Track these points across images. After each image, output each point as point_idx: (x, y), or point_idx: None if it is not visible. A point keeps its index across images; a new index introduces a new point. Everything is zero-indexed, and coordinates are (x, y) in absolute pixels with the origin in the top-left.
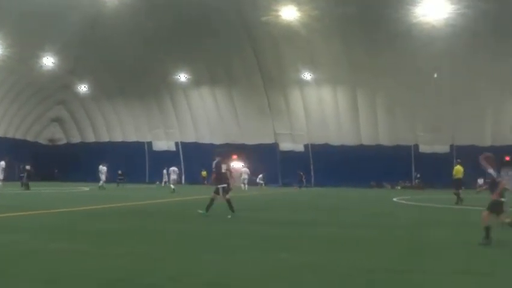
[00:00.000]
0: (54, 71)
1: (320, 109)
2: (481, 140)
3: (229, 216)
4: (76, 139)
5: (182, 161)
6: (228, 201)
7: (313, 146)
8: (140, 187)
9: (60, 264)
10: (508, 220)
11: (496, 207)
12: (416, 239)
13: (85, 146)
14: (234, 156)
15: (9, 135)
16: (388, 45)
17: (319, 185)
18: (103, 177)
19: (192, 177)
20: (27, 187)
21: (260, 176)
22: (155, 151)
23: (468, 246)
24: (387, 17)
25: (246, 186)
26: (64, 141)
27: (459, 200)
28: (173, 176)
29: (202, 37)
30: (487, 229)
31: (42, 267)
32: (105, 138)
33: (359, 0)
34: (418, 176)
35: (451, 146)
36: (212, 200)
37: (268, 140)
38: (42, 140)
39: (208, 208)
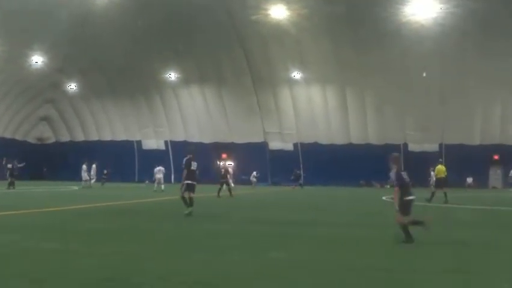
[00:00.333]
0: (43, 70)
1: (309, 108)
2: (469, 139)
3: (186, 212)
4: (65, 138)
5: (171, 160)
6: (190, 199)
7: (302, 145)
8: (129, 186)
9: (50, 263)
10: (404, 221)
11: (403, 207)
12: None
13: (74, 145)
14: (224, 155)
15: None
16: (377, 44)
17: (308, 184)
18: (85, 175)
19: (181, 176)
20: (10, 185)
21: (254, 173)
22: (144, 150)
23: (458, 245)
24: (376, 16)
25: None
26: (52, 140)
27: (446, 198)
28: (159, 175)
29: (191, 36)
30: (407, 226)
31: (32, 266)
32: (94, 137)
33: None
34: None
35: (440, 145)
36: (187, 198)
37: (258, 139)
38: (31, 139)
39: (190, 205)
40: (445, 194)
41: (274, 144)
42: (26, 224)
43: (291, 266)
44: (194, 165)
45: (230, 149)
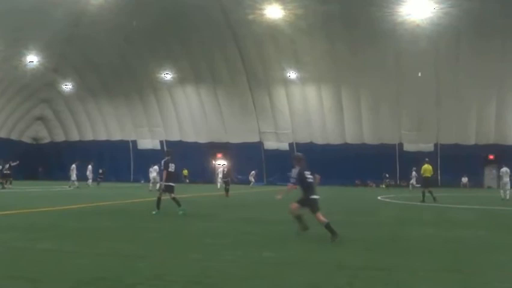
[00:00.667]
0: (38, 69)
1: (304, 108)
2: (465, 138)
3: (154, 212)
4: (60, 138)
5: None
6: (159, 199)
7: (298, 144)
8: (124, 186)
9: (45, 263)
10: (323, 219)
11: (306, 204)
12: (399, 237)
13: (69, 145)
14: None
15: None
16: (372, 44)
17: None
18: (73, 176)
19: (176, 176)
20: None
21: (252, 172)
22: (140, 150)
23: (455, 244)
24: (371, 15)
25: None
26: (47, 140)
27: (427, 197)
28: (153, 174)
29: (186, 35)
30: (298, 218)
31: (26, 266)
32: (89, 136)
33: None
34: (387, 175)
35: (435, 145)
36: (171, 198)
37: (253, 138)
38: (26, 139)
39: (178, 204)
40: (431, 192)
41: (270, 144)
42: (19, 224)
43: (284, 265)
44: (172, 167)
45: (225, 148)
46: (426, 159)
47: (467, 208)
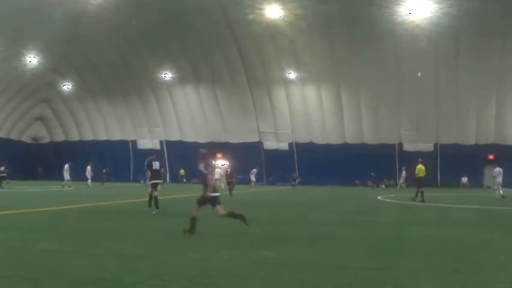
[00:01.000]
0: (37, 69)
1: (304, 107)
2: (464, 138)
3: (154, 212)
4: (60, 137)
5: (166, 159)
6: (155, 199)
7: (297, 144)
8: (124, 185)
9: (45, 263)
10: (223, 212)
11: (208, 201)
12: (399, 237)
13: (68, 145)
14: (219, 155)
15: None
16: (372, 43)
17: (304, 184)
18: (67, 175)
19: (175, 176)
20: None
21: (253, 170)
22: (139, 150)
23: (454, 244)
24: (371, 15)
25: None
26: (47, 140)
27: (416, 197)
28: None
29: (186, 35)
30: (193, 219)
31: (25, 266)
32: (89, 136)
33: None
34: (373, 174)
35: (435, 145)
36: (151, 196)
37: (253, 138)
38: (26, 139)
39: (153, 204)
40: (422, 193)
41: (269, 144)
42: (18, 224)
43: (284, 265)
44: (156, 165)
45: (225, 148)
46: (420, 159)
47: (467, 208)
